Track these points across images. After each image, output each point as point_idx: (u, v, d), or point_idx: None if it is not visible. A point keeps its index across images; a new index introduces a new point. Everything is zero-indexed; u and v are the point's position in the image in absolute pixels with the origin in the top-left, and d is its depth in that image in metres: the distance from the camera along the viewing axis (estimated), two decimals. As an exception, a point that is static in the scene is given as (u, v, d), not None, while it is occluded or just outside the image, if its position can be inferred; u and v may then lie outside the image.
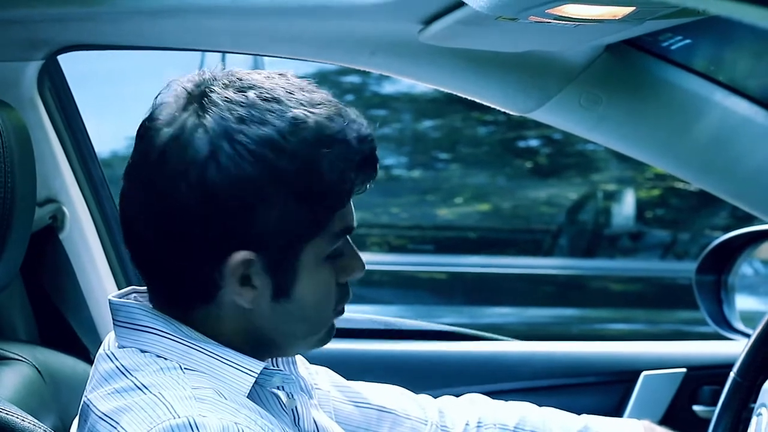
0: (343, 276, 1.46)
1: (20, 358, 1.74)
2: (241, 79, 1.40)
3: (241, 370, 1.42)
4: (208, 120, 1.35)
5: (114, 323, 1.47)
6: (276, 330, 1.45)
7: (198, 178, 1.35)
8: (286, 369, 1.58)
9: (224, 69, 1.43)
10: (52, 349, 1.95)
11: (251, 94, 1.37)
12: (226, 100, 1.36)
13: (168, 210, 1.39)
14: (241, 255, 1.37)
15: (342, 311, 1.50)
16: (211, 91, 1.38)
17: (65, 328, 2.16)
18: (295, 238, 1.38)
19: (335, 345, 2.40)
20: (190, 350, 1.42)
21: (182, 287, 1.43)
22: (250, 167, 1.34)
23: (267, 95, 1.37)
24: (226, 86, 1.38)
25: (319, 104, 1.38)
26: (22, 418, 1.42)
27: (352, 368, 2.34)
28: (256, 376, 1.42)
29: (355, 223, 1.45)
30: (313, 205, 1.36)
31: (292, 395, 1.52)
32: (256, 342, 1.45)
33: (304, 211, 1.36)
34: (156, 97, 1.42)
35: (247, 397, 1.42)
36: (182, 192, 1.36)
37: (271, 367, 1.46)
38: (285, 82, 1.40)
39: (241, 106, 1.36)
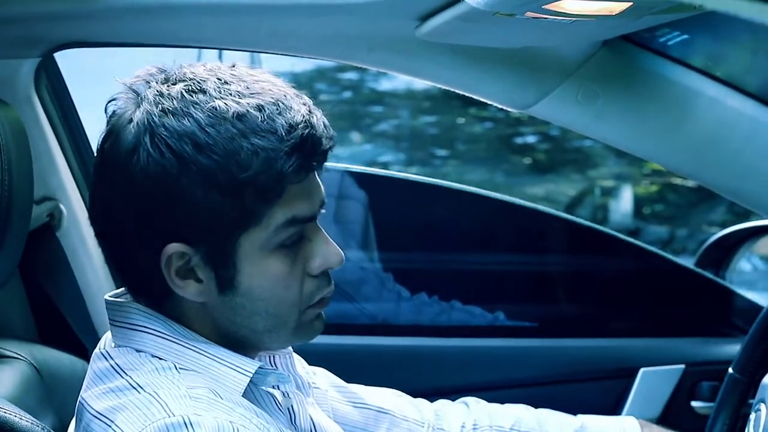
0: (311, 266, 1.44)
1: (18, 356, 1.74)
2: (179, 73, 1.40)
3: (236, 370, 1.43)
4: (137, 114, 1.37)
5: (110, 323, 1.47)
6: (236, 324, 1.44)
7: (125, 171, 1.36)
8: (283, 368, 1.58)
9: (183, 64, 1.44)
10: (50, 347, 1.95)
11: (179, 86, 1.37)
12: (156, 94, 1.37)
13: (107, 202, 1.42)
14: (173, 248, 1.38)
15: (321, 303, 1.47)
16: (148, 87, 1.39)
17: (63, 325, 2.16)
18: (226, 231, 1.37)
19: (334, 340, 2.43)
20: (186, 350, 1.42)
21: (137, 280, 1.45)
22: (169, 161, 1.34)
23: (194, 87, 1.37)
24: (163, 81, 1.39)
25: (253, 93, 1.37)
26: (20, 416, 1.42)
27: (348, 363, 2.35)
28: (251, 375, 1.42)
29: (314, 211, 1.43)
30: (240, 197, 1.35)
31: (288, 394, 1.52)
32: (228, 338, 1.45)
33: (231, 204, 1.35)
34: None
35: (243, 396, 1.42)
36: (115, 184, 1.39)
37: (267, 367, 1.46)
38: (225, 74, 1.40)
39: (168, 99, 1.36)
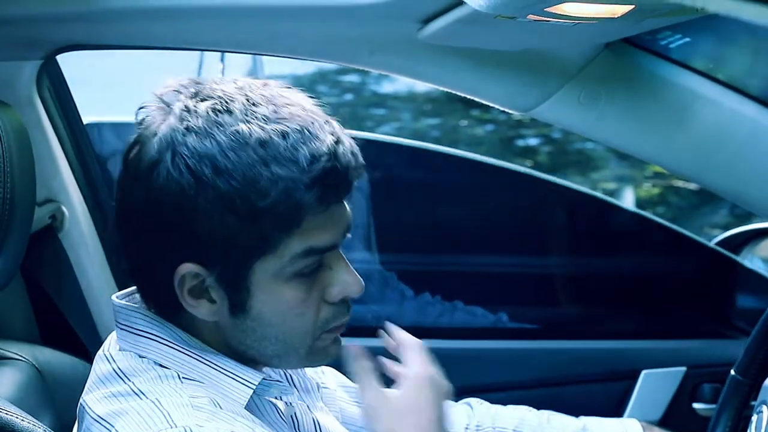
0: (329, 294, 1.42)
1: (20, 357, 1.74)
2: (209, 89, 1.37)
3: (239, 381, 1.42)
4: (162, 129, 1.34)
5: (116, 324, 1.47)
6: (245, 345, 1.42)
7: (145, 184, 1.35)
8: (292, 369, 1.58)
9: (219, 74, 1.42)
10: (52, 349, 1.95)
11: (207, 104, 1.34)
12: (183, 109, 1.35)
13: (128, 211, 1.40)
14: (187, 267, 1.36)
15: (337, 329, 1.45)
16: (177, 100, 1.37)
17: (64, 327, 2.17)
18: (241, 256, 1.35)
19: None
20: (190, 359, 1.42)
21: (151, 290, 1.43)
22: (187, 181, 1.31)
23: (221, 106, 1.34)
24: (192, 95, 1.36)
25: (280, 119, 1.33)
26: (21, 417, 1.42)
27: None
28: (254, 387, 1.42)
29: (335, 241, 1.39)
30: (257, 224, 1.32)
31: (290, 403, 1.52)
32: (236, 354, 1.44)
33: (247, 230, 1.33)
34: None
35: (245, 407, 1.41)
36: (135, 196, 1.37)
37: (269, 379, 1.46)
38: (255, 94, 1.36)
39: (194, 116, 1.33)
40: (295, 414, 1.52)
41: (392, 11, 1.80)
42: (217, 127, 1.32)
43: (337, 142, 1.35)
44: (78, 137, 2.18)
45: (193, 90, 1.37)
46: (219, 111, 1.33)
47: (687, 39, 2.11)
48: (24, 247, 1.61)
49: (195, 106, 1.34)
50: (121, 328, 1.45)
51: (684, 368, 2.38)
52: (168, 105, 1.37)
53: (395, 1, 1.75)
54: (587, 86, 1.97)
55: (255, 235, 1.33)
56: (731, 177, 2.04)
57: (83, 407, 1.41)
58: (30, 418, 1.44)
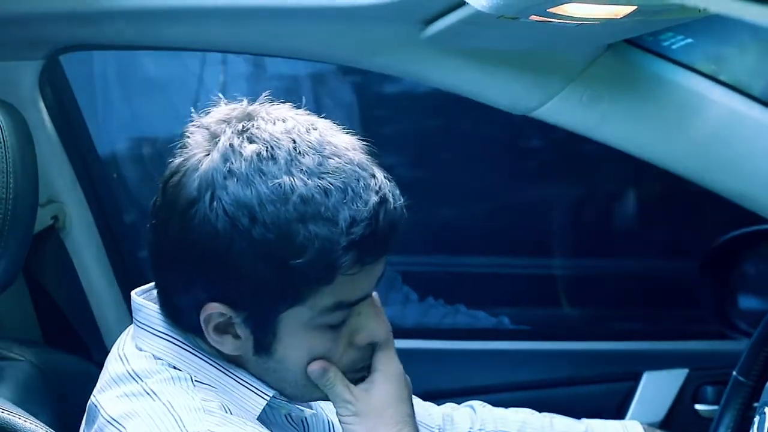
0: (357, 339, 1.41)
1: (22, 358, 1.74)
2: (256, 126, 1.34)
3: (253, 391, 1.41)
4: (204, 166, 1.32)
5: (134, 322, 1.46)
6: (265, 381, 1.42)
7: (181, 219, 1.33)
8: None
9: (265, 112, 1.37)
10: (54, 349, 1.95)
11: (252, 147, 1.31)
12: (228, 148, 1.32)
13: (160, 240, 1.39)
14: (215, 306, 1.35)
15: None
16: (222, 133, 1.34)
17: (67, 327, 2.16)
18: (271, 304, 1.34)
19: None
20: (205, 364, 1.41)
21: (176, 312, 1.42)
22: (223, 226, 1.30)
23: (267, 153, 1.31)
24: (238, 132, 1.33)
25: (324, 173, 1.30)
26: (23, 418, 1.42)
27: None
28: (268, 398, 1.41)
29: (366, 294, 1.38)
30: (288, 276, 1.31)
31: (302, 409, 1.51)
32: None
33: (278, 281, 1.31)
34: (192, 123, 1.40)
35: (257, 419, 1.41)
36: (170, 227, 1.36)
37: (279, 398, 1.44)
38: (301, 139, 1.33)
39: (237, 159, 1.31)
40: (305, 418, 1.52)
41: (395, 12, 1.80)
42: (260, 175, 1.29)
43: (381, 202, 1.32)
44: (80, 137, 2.18)
45: (241, 126, 1.34)
46: (264, 158, 1.30)
47: (689, 40, 2.11)
48: (26, 248, 1.61)
49: (240, 147, 1.32)
50: (140, 326, 1.44)
51: (686, 370, 2.38)
52: (214, 137, 1.34)
53: (398, 2, 1.75)
54: (590, 87, 1.96)
55: (286, 287, 1.32)
56: (734, 177, 2.03)
57: (96, 407, 1.41)
58: (32, 418, 1.44)
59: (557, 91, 1.97)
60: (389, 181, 1.37)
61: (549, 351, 2.45)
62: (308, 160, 1.31)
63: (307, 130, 1.34)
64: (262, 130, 1.33)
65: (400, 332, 2.68)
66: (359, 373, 1.43)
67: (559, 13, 1.53)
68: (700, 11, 1.50)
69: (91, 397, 1.43)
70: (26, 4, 1.83)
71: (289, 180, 1.29)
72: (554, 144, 3.15)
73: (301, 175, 1.29)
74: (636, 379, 2.37)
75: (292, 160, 1.30)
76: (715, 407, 2.04)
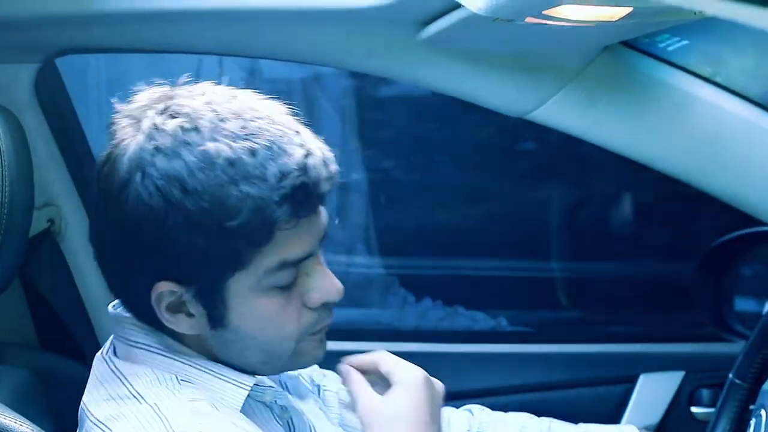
0: (309, 301, 1.41)
1: (19, 362, 1.74)
2: (177, 103, 1.35)
3: (233, 384, 1.42)
4: (131, 148, 1.33)
5: (113, 334, 1.47)
6: (230, 357, 1.42)
7: (116, 205, 1.34)
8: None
9: (184, 91, 1.39)
10: (50, 354, 1.95)
11: (175, 122, 1.32)
12: (152, 127, 1.33)
13: (101, 229, 1.41)
14: (163, 285, 1.36)
15: (319, 333, 1.45)
16: (145, 116, 1.35)
17: (63, 332, 2.16)
18: (214, 274, 1.34)
19: (338, 346, 2.43)
20: (184, 366, 1.42)
21: (133, 305, 1.43)
22: (157, 203, 1.30)
23: (189, 124, 1.32)
24: (159, 111, 1.35)
25: (249, 135, 1.32)
26: (20, 422, 1.42)
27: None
28: (249, 389, 1.42)
29: (310, 251, 1.38)
30: (227, 242, 1.31)
31: (286, 407, 1.51)
32: (224, 362, 1.44)
33: (218, 248, 1.32)
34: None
35: (241, 410, 1.41)
36: (108, 215, 1.37)
37: (263, 383, 1.46)
38: (223, 108, 1.34)
39: (161, 135, 1.32)
40: (291, 419, 1.52)
41: (391, 14, 1.80)
42: (185, 146, 1.31)
43: (307, 155, 1.33)
44: (76, 140, 2.18)
45: (162, 106, 1.36)
46: (187, 130, 1.32)
47: (685, 42, 2.11)
48: (22, 252, 1.61)
49: (164, 124, 1.33)
50: (118, 339, 1.46)
51: (682, 372, 2.38)
52: (137, 121, 1.35)
53: (394, 5, 1.75)
54: (586, 89, 1.97)
55: (227, 253, 1.32)
56: (730, 180, 2.04)
57: (83, 410, 1.41)
58: (28, 423, 1.44)
59: (553, 93, 1.97)
60: (316, 137, 1.38)
61: (546, 354, 2.45)
62: (231, 125, 1.32)
63: (228, 100, 1.36)
64: (183, 106, 1.35)
65: (397, 335, 2.70)
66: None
67: (554, 15, 1.53)
68: (695, 13, 1.50)
69: (81, 402, 1.44)
70: (22, 8, 1.83)
71: (214, 146, 1.30)
72: (550, 147, 3.16)
73: (226, 140, 1.30)
74: (632, 381, 2.37)
75: (215, 127, 1.31)
76: (712, 410, 2.04)
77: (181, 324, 1.39)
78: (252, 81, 2.97)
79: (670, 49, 2.07)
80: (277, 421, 1.50)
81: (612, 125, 2.00)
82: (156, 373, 1.40)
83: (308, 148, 1.34)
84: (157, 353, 1.42)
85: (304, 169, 1.32)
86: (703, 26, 2.04)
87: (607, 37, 1.89)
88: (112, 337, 1.49)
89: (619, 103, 1.98)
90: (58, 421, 1.71)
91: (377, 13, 1.78)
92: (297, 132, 1.35)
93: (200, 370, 1.42)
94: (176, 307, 1.38)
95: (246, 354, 1.42)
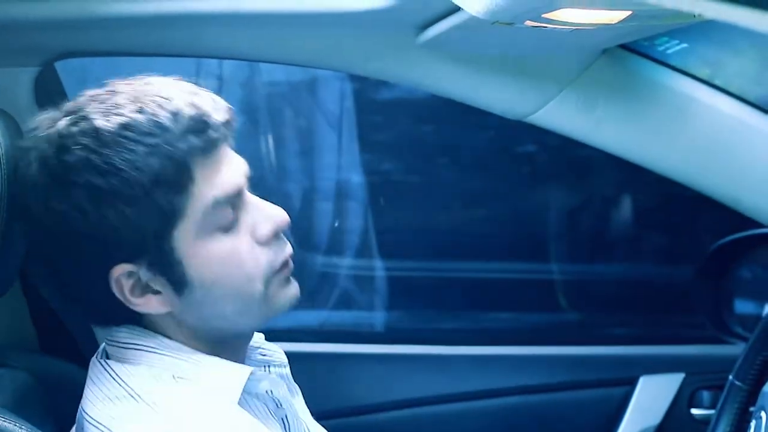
0: (258, 236, 1.43)
1: (19, 365, 1.74)
2: (65, 109, 1.43)
3: (229, 376, 1.43)
4: (36, 157, 1.40)
5: (105, 340, 1.49)
6: (207, 319, 1.43)
7: (39, 215, 1.40)
8: (280, 377, 1.59)
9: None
10: (51, 356, 1.95)
11: (64, 122, 1.39)
12: (52, 133, 1.40)
13: (38, 248, 1.47)
14: (117, 271, 1.38)
15: (285, 268, 1.47)
16: (51, 126, 1.42)
17: (64, 335, 2.16)
18: (155, 236, 1.37)
19: (330, 348, 2.43)
20: (178, 361, 1.43)
21: (105, 313, 1.46)
22: (76, 198, 1.35)
23: (77, 117, 1.39)
24: (51, 123, 1.41)
25: (132, 100, 1.38)
26: (19, 425, 1.42)
27: (349, 371, 2.35)
28: (245, 379, 1.43)
29: (238, 184, 1.42)
30: (152, 200, 1.34)
31: (281, 404, 1.52)
32: (209, 341, 1.45)
33: (148, 210, 1.35)
34: None
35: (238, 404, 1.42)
36: (36, 229, 1.43)
37: (259, 373, 1.47)
38: (102, 94, 1.41)
39: (59, 137, 1.38)
40: (286, 416, 1.53)
41: (390, 18, 1.80)
42: (81, 135, 1.36)
43: (192, 92, 1.39)
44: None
45: (56, 114, 1.42)
46: (77, 120, 1.37)
47: (684, 45, 2.11)
48: (22, 255, 1.61)
49: (57, 129, 1.39)
50: (110, 345, 1.47)
51: (682, 374, 2.38)
52: (44, 130, 1.41)
53: (393, 8, 1.75)
54: (585, 92, 1.97)
55: (157, 210, 1.35)
56: (729, 182, 2.04)
57: (81, 414, 1.42)
58: (28, 426, 1.44)
59: (552, 96, 1.98)
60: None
61: (545, 356, 2.45)
62: (113, 100, 1.38)
63: (106, 88, 1.43)
64: (69, 107, 1.42)
65: (397, 338, 2.69)
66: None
67: (554, 18, 1.53)
68: (695, 16, 1.50)
69: (79, 409, 1.45)
70: (21, 11, 1.83)
71: (105, 121, 1.35)
72: (550, 149, 3.16)
73: (113, 112, 1.36)
74: (632, 383, 2.37)
75: (99, 109, 1.37)
76: (712, 412, 2.04)
77: (152, 304, 1.41)
78: (250, 83, 2.97)
79: (669, 52, 2.07)
80: (273, 417, 1.50)
81: (611, 128, 2.00)
82: (151, 372, 1.41)
83: (191, 88, 1.41)
84: (151, 352, 1.43)
85: (192, 104, 1.38)
86: (702, 29, 2.04)
87: (606, 40, 1.89)
88: (104, 344, 1.50)
89: (619, 106, 1.98)
90: (58, 424, 1.71)
91: (376, 17, 1.78)
92: (174, 80, 1.43)
93: (194, 364, 1.43)
94: (140, 290, 1.40)
95: (221, 309, 1.42)
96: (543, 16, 1.51)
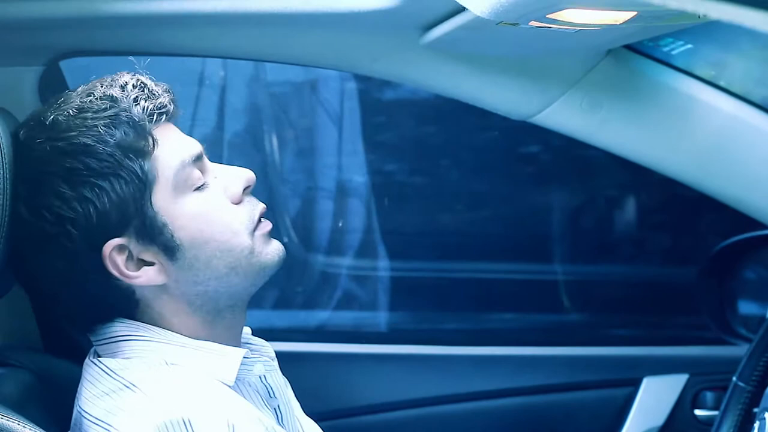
0: (230, 196, 1.50)
1: (22, 365, 1.74)
2: (24, 124, 1.52)
3: (224, 358, 1.44)
4: (8, 168, 1.46)
5: (93, 344, 1.50)
6: (203, 283, 1.47)
7: (27, 233, 1.47)
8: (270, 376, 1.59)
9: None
10: (54, 356, 1.95)
11: (24, 133, 1.49)
12: (19, 145, 1.49)
13: (27, 249, 1.49)
14: (108, 247, 1.43)
15: (263, 224, 1.53)
16: (22, 138, 1.50)
17: (67, 334, 2.16)
18: (136, 203, 1.43)
19: (333, 348, 2.43)
20: (171, 347, 1.45)
21: (104, 309, 1.50)
22: (54, 194, 1.43)
23: (34, 123, 1.49)
24: (26, 127, 1.50)
25: (78, 93, 1.49)
26: (23, 425, 1.42)
27: (350, 371, 2.35)
28: (239, 361, 1.44)
29: (192, 150, 1.49)
30: (123, 168, 1.42)
31: (273, 393, 1.54)
32: (205, 311, 1.48)
33: (122, 179, 1.42)
34: None
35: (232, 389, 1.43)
36: (22, 226, 1.47)
37: (251, 356, 1.48)
38: (52, 100, 1.52)
39: (26, 148, 1.47)
40: (278, 406, 1.54)
41: (395, 18, 1.80)
42: (40, 132, 1.46)
43: (133, 74, 1.51)
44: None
45: (19, 125, 1.51)
46: (32, 126, 1.48)
47: (689, 46, 2.11)
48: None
49: (20, 135, 1.48)
50: (101, 343, 1.50)
51: (686, 375, 2.38)
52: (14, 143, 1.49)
53: (398, 8, 1.75)
54: (589, 93, 1.97)
55: (131, 178, 1.42)
56: (733, 183, 2.03)
57: (79, 413, 1.42)
58: (31, 424, 1.44)
59: (557, 96, 1.97)
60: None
61: (549, 356, 2.45)
62: (62, 99, 1.50)
63: (56, 98, 1.53)
64: (27, 120, 1.53)
65: (399, 338, 2.69)
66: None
67: (558, 19, 1.53)
68: (699, 17, 1.50)
69: (75, 406, 1.46)
70: (26, 10, 1.83)
71: (60, 114, 1.46)
72: (554, 150, 3.15)
73: (66, 105, 1.47)
74: (636, 384, 2.37)
75: (52, 108, 1.49)
76: (715, 413, 2.04)
77: (148, 275, 1.45)
78: (254, 83, 2.97)
79: (673, 52, 2.07)
80: (267, 407, 1.51)
81: (615, 128, 2.00)
82: (144, 362, 1.43)
83: (131, 73, 1.52)
84: (143, 340, 1.46)
85: (136, 78, 1.50)
86: (707, 30, 2.04)
87: (611, 41, 1.89)
88: (93, 347, 1.53)
89: (623, 107, 1.98)
90: (61, 424, 1.71)
91: (381, 17, 1.78)
92: (114, 74, 1.53)
93: (187, 348, 1.45)
94: (134, 265, 1.45)
95: (214, 264, 1.47)
96: (547, 16, 1.51)
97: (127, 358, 1.44)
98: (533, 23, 1.56)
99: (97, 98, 1.46)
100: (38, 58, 1.99)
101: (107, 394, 1.40)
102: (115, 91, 1.46)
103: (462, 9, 1.63)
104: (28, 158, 1.45)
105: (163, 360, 1.43)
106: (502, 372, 2.41)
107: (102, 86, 1.49)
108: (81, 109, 1.45)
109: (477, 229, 3.25)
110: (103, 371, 1.44)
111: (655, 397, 2.37)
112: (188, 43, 1.97)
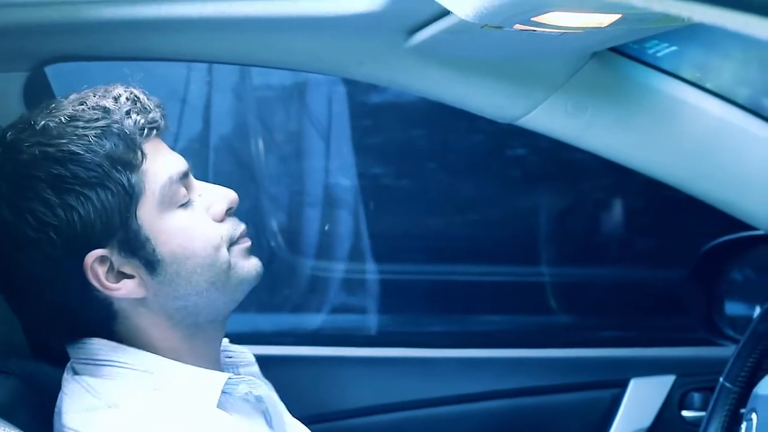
0: (213, 214, 1.51)
1: (10, 371, 1.74)
2: (12, 127, 1.51)
3: (206, 385, 1.44)
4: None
5: (72, 362, 1.50)
6: (183, 297, 1.47)
7: (5, 211, 1.46)
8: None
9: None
10: (42, 362, 1.94)
11: (10, 135, 1.49)
12: (2, 156, 1.49)
13: (8, 261, 1.50)
14: (90, 257, 1.42)
15: (241, 241, 1.54)
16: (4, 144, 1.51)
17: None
18: (120, 216, 1.43)
19: (320, 351, 2.43)
20: (152, 376, 1.45)
21: (83, 323, 1.50)
22: (42, 201, 1.42)
23: (23, 126, 1.49)
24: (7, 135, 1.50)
25: (71, 101, 1.50)
26: (9, 430, 1.42)
27: (339, 373, 2.35)
28: (221, 387, 1.44)
29: (180, 167, 1.50)
30: (111, 180, 1.42)
31: (261, 398, 1.54)
32: (184, 327, 1.48)
33: (106, 193, 1.42)
34: None
35: (218, 407, 1.43)
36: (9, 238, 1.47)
37: (236, 377, 1.48)
38: (42, 106, 1.53)
39: (12, 152, 1.47)
40: (267, 409, 1.55)
41: (380, 22, 1.79)
42: (30, 136, 1.45)
43: (125, 87, 1.52)
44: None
45: (6, 127, 1.52)
46: (23, 128, 1.47)
47: (674, 48, 2.11)
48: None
49: (8, 137, 1.48)
50: (81, 363, 1.49)
51: (673, 376, 2.38)
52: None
53: (383, 12, 1.75)
54: (575, 95, 1.97)
55: (118, 190, 1.42)
56: (720, 185, 2.04)
57: (60, 428, 1.42)
58: (18, 431, 1.43)
59: (542, 99, 1.98)
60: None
61: (536, 358, 2.45)
62: (54, 106, 1.51)
63: (45, 104, 1.54)
64: (16, 123, 1.52)
65: (389, 341, 2.69)
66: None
67: (543, 22, 1.53)
68: (684, 20, 1.50)
69: (55, 423, 1.46)
70: (10, 15, 1.82)
71: (51, 120, 1.46)
72: (541, 152, 3.16)
73: (58, 112, 1.48)
74: (623, 386, 2.37)
75: (42, 113, 1.49)
76: (702, 414, 2.04)
77: (128, 288, 1.45)
78: (240, 87, 2.97)
79: (659, 55, 2.07)
80: (256, 412, 1.52)
81: (601, 131, 2.00)
82: (127, 384, 1.43)
83: (124, 86, 1.52)
84: (125, 368, 1.46)
85: (130, 91, 1.51)
86: (692, 32, 2.04)
87: (596, 44, 1.89)
88: (71, 362, 1.53)
89: (609, 109, 1.98)
90: (48, 430, 1.70)
91: (366, 21, 1.78)
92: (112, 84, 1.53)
93: (170, 374, 1.45)
94: (115, 277, 1.44)
95: (194, 280, 1.47)
96: (532, 19, 1.51)
97: (110, 380, 1.44)
98: (518, 26, 1.57)
99: (89, 108, 1.46)
100: (23, 63, 1.99)
101: (89, 411, 1.41)
102: (108, 102, 1.47)
103: (447, 12, 1.63)
104: (14, 160, 1.45)
105: (147, 385, 1.44)
106: (489, 374, 2.41)
107: (95, 96, 1.49)
108: (73, 117, 1.45)
109: (464, 231, 3.26)
110: (85, 389, 1.44)
111: (642, 398, 2.37)
112: (173, 48, 1.97)
